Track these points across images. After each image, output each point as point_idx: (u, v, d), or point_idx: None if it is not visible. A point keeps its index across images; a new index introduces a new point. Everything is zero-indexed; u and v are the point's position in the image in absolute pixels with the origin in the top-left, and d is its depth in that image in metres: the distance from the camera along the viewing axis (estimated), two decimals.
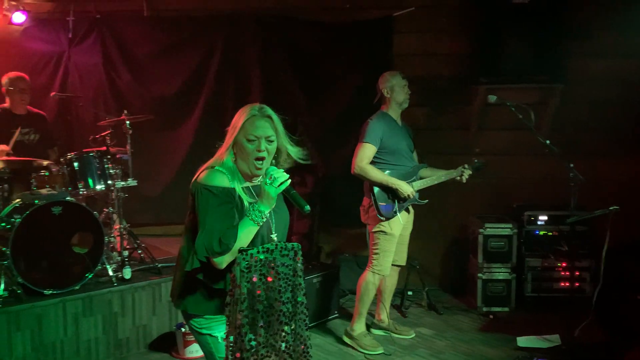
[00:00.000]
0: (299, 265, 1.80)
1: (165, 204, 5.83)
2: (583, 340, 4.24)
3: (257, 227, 2.26)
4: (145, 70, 5.75)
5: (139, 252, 4.86)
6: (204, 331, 2.45)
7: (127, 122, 4.72)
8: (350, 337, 4.43)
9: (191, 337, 4.23)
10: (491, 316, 5.05)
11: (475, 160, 4.46)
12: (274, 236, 2.38)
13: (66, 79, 5.76)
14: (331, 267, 5.13)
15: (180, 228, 6.25)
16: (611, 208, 3.90)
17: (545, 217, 5.24)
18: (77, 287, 4.14)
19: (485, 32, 5.26)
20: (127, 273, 4.40)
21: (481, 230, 5.15)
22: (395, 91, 4.35)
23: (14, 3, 5.50)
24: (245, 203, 2.35)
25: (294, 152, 2.50)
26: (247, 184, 2.45)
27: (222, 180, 2.34)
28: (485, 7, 5.27)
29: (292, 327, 1.70)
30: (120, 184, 4.62)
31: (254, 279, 1.63)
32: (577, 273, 5.10)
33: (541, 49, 5.13)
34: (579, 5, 5.16)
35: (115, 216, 4.81)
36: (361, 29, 5.62)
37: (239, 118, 2.42)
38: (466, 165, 4.40)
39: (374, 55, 5.61)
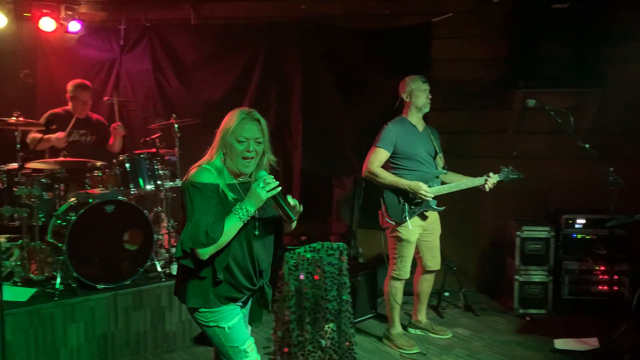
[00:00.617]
0: (344, 264, 1.81)
1: None
2: (622, 344, 4.13)
3: (242, 224, 2.37)
4: (192, 76, 5.84)
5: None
6: (211, 324, 2.52)
7: (176, 125, 4.80)
8: (388, 338, 4.42)
9: None
10: (528, 318, 4.96)
11: (504, 169, 4.28)
12: (256, 232, 2.51)
13: (118, 84, 5.88)
14: (369, 267, 5.12)
15: None
16: None
17: (583, 221, 5.12)
18: (127, 282, 4.24)
19: (523, 37, 5.17)
20: (174, 269, 4.48)
21: (518, 232, 5.06)
22: (415, 95, 4.24)
23: (70, 13, 5.65)
24: (229, 198, 2.45)
25: (271, 158, 2.62)
26: (234, 181, 2.54)
27: (209, 177, 2.43)
28: (523, 13, 5.19)
29: (337, 325, 1.71)
30: (168, 184, 4.71)
31: (301, 277, 1.64)
32: (616, 277, 4.97)
33: (579, 54, 5.02)
34: (618, 11, 5.02)
35: (163, 215, 4.91)
36: (400, 35, 5.59)
37: (230, 120, 2.52)
38: (491, 174, 4.22)
39: (413, 60, 5.56)
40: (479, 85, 5.49)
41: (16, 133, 4.08)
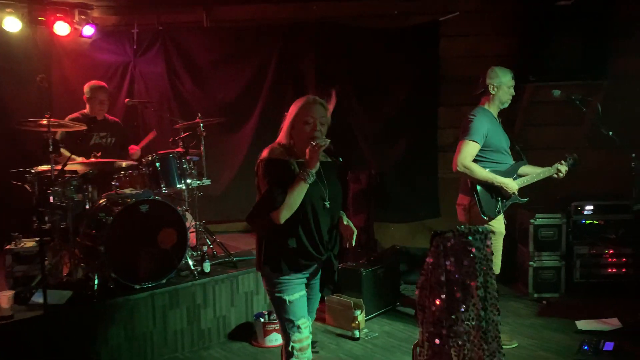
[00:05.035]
0: (488, 250, 1.64)
1: (226, 202, 5.68)
2: None
3: (307, 185, 2.45)
4: (206, 77, 5.62)
5: (210, 247, 4.70)
6: (276, 293, 2.60)
7: (201, 124, 4.57)
8: None
9: (270, 327, 4.09)
10: (544, 302, 4.87)
11: (568, 157, 4.05)
12: (327, 203, 2.58)
13: (132, 87, 5.63)
14: (392, 259, 4.97)
15: (239, 225, 6.10)
16: None
17: (591, 207, 5.06)
18: (163, 281, 4.00)
19: (530, 33, 5.12)
20: (206, 267, 4.27)
21: (532, 220, 4.98)
22: (502, 90, 3.88)
23: (83, 17, 5.37)
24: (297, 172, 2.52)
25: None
26: (301, 160, 2.57)
27: (281, 155, 2.56)
28: (529, 10, 5.12)
29: (484, 313, 1.55)
30: (196, 183, 4.47)
31: (448, 263, 1.48)
32: (624, 259, 4.94)
33: (585, 48, 5.00)
34: (621, 6, 4.98)
35: (188, 214, 4.67)
36: (410, 34, 5.48)
37: (297, 105, 2.61)
38: (562, 162, 4.00)
39: (423, 58, 5.47)
40: None
41: (48, 135, 3.78)
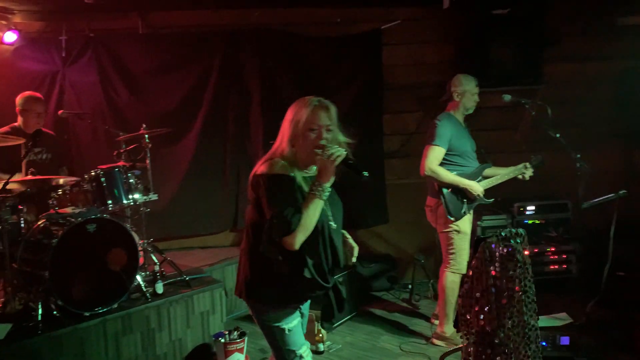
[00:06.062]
0: (527, 252, 1.59)
1: (168, 218, 5.36)
2: (593, 316, 4.25)
3: (322, 202, 2.21)
4: (143, 87, 5.32)
5: (158, 265, 4.41)
6: (272, 322, 2.36)
7: (146, 136, 4.29)
8: (443, 338, 4.12)
9: (232, 347, 3.89)
10: None
11: (533, 157, 4.19)
12: (332, 224, 2.34)
13: (62, 98, 5.19)
14: (350, 267, 4.90)
15: (183, 242, 5.77)
16: (620, 192, 3.93)
17: (533, 207, 5.27)
18: (115, 306, 3.69)
19: (469, 41, 5.27)
20: (159, 288, 3.99)
21: (479, 222, 5.10)
22: (466, 97, 4.07)
23: (4, 22, 4.96)
24: (305, 190, 2.27)
25: (344, 140, 2.41)
26: (305, 174, 2.37)
27: (284, 170, 2.28)
28: (467, 18, 5.28)
29: (527, 318, 1.49)
30: (142, 198, 4.19)
31: (494, 269, 1.41)
32: (564, 256, 5.17)
33: (520, 55, 5.21)
34: (551, 15, 5.24)
35: (132, 232, 4.35)
36: (352, 42, 5.48)
37: (300, 109, 2.32)
38: (527, 165, 4.13)
39: (367, 66, 5.48)
40: (429, 88, 5.48)
41: None
